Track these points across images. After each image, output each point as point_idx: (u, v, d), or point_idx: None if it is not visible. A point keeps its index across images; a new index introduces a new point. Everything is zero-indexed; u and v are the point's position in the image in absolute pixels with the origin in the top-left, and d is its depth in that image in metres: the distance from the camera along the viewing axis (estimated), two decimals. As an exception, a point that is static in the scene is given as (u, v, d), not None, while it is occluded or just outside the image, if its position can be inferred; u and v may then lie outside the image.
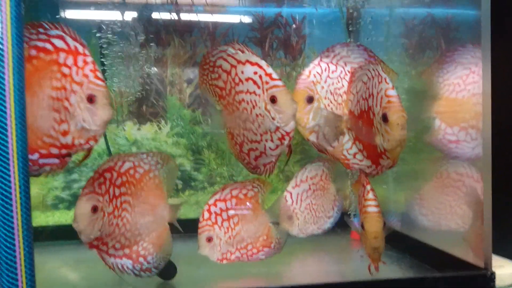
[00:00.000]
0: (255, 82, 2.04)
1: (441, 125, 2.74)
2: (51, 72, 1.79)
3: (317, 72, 2.28)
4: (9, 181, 1.44)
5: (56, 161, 1.88)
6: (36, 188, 4.03)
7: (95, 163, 4.11)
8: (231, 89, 2.12)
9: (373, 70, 2.05)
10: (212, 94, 2.26)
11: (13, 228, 1.46)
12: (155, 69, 4.17)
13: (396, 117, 1.88)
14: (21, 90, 1.48)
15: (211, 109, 2.32)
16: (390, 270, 2.87)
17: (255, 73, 2.03)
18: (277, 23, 4.19)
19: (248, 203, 2.59)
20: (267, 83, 2.03)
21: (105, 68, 3.95)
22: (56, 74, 1.79)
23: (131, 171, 2.33)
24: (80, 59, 1.82)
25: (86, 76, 1.80)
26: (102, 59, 3.95)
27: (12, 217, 1.46)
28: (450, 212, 2.90)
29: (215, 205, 2.48)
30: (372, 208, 2.10)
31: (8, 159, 1.44)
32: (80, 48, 1.84)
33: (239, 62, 2.08)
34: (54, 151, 1.85)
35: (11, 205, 1.46)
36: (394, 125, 1.89)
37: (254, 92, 2.04)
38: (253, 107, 2.06)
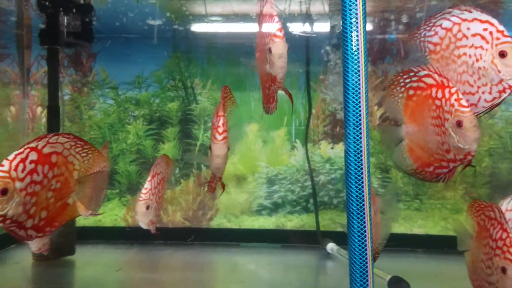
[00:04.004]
0: (483, 38, 2.20)
1: None
2: (428, 105, 2.24)
3: None
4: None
5: (445, 171, 2.30)
6: (245, 196, 4.65)
7: (293, 177, 4.63)
8: (449, 44, 2.30)
9: None
10: (421, 49, 2.43)
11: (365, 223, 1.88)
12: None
13: None
14: (367, 111, 1.92)
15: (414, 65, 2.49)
16: None
17: (485, 29, 2.21)
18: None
19: None
20: (498, 38, 2.18)
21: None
22: (431, 106, 2.24)
23: None
24: (446, 91, 2.18)
25: (452, 105, 2.15)
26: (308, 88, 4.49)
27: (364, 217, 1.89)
28: None
29: None
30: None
31: (362, 170, 1.88)
32: (445, 81, 2.21)
33: (464, 20, 2.27)
34: (444, 164, 2.28)
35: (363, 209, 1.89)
36: None
37: (481, 47, 2.21)
38: (477, 60, 2.22)
